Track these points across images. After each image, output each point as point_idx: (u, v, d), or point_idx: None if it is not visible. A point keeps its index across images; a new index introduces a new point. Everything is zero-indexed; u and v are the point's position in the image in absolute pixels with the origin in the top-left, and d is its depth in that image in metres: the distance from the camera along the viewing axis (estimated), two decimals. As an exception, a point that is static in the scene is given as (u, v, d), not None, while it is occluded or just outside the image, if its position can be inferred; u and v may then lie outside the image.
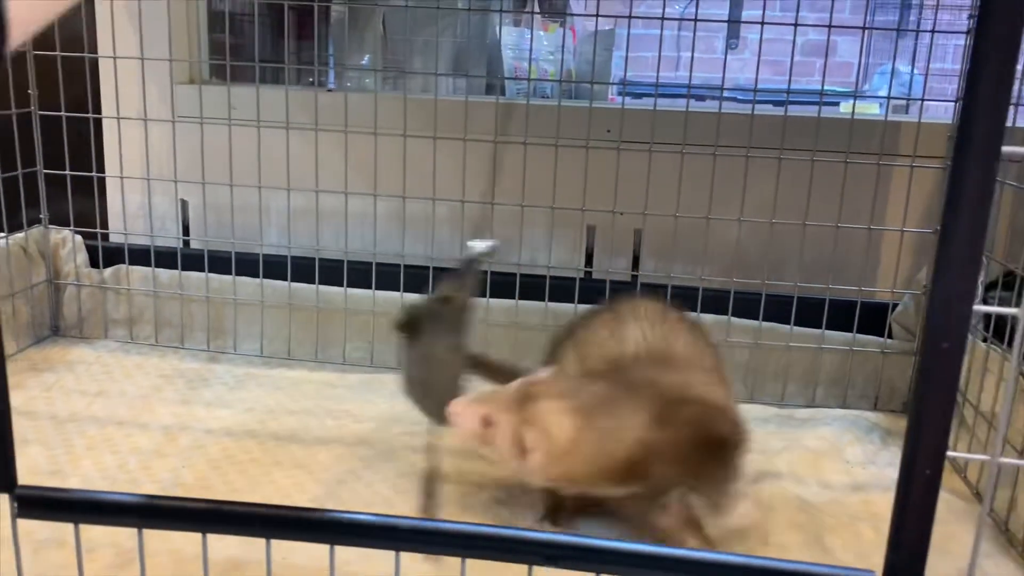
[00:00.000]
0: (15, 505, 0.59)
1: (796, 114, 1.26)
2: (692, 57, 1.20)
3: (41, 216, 1.37)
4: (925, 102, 1.23)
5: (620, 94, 1.63)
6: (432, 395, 0.92)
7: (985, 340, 1.08)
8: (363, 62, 1.62)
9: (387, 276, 1.32)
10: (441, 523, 0.57)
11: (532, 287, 1.31)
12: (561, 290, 1.31)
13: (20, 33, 0.44)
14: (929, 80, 1.23)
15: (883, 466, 1.09)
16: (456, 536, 0.56)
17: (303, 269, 1.34)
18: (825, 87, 1.21)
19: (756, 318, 1.26)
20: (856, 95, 1.25)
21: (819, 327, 1.25)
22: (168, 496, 0.59)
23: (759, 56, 1.21)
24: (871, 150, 1.24)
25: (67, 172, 1.33)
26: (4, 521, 0.85)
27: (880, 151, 1.22)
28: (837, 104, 1.85)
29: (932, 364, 0.50)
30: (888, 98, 1.25)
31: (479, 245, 0.98)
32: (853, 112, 1.23)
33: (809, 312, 1.26)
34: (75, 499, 0.60)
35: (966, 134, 0.47)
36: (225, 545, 0.81)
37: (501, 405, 0.82)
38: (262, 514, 0.58)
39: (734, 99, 1.66)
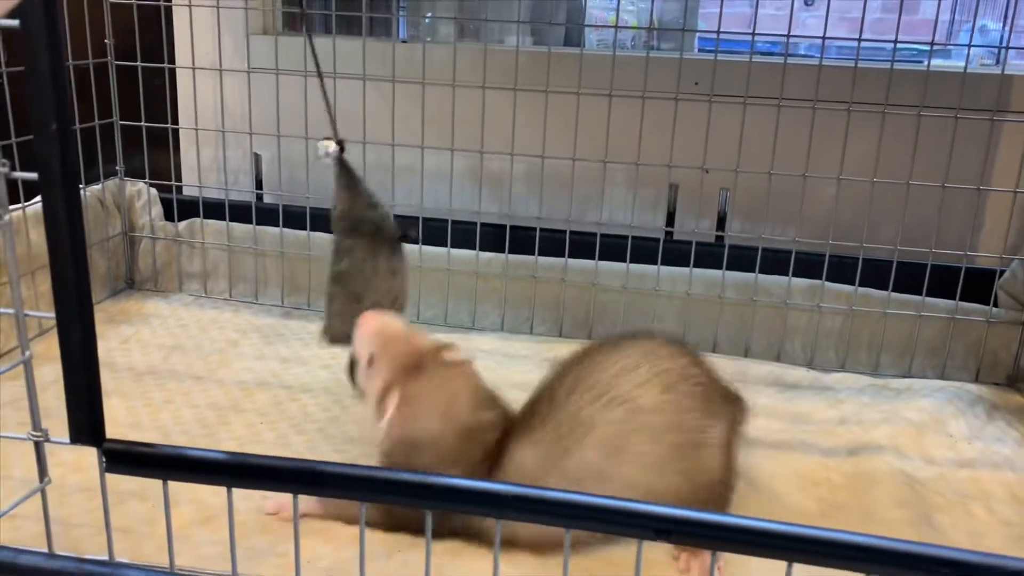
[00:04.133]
0: (103, 460, 0.57)
1: (902, 68, 1.18)
2: (792, 4, 1.12)
3: (117, 168, 1.36)
4: (1013, 57, 1.14)
5: (704, 50, 1.56)
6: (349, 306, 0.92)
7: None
8: (427, 18, 1.57)
9: (462, 233, 1.29)
10: (544, 491, 0.54)
11: (612, 247, 1.26)
12: (642, 251, 1.26)
13: None
14: (1016, 35, 1.14)
15: (990, 441, 1.02)
16: (562, 505, 0.53)
17: (377, 225, 1.31)
18: (916, 46, 1.13)
19: (851, 283, 1.19)
20: (971, 45, 1.15)
21: (919, 293, 1.18)
22: (259, 455, 0.56)
23: (864, 7, 1.13)
24: (978, 105, 1.16)
25: (143, 124, 1.32)
26: (90, 472, 0.85)
27: (995, 106, 1.14)
28: (921, 61, 1.74)
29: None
30: (1002, 47, 1.16)
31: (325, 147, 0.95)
32: (966, 65, 1.14)
33: (908, 277, 1.19)
34: (164, 455, 0.58)
35: None
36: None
37: (396, 355, 0.79)
38: (357, 476, 0.55)
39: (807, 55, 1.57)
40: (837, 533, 0.49)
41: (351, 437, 0.98)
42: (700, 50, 1.66)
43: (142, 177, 1.37)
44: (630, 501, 0.52)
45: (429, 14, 1.59)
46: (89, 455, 0.58)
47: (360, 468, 0.56)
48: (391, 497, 0.55)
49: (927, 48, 1.15)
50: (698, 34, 1.57)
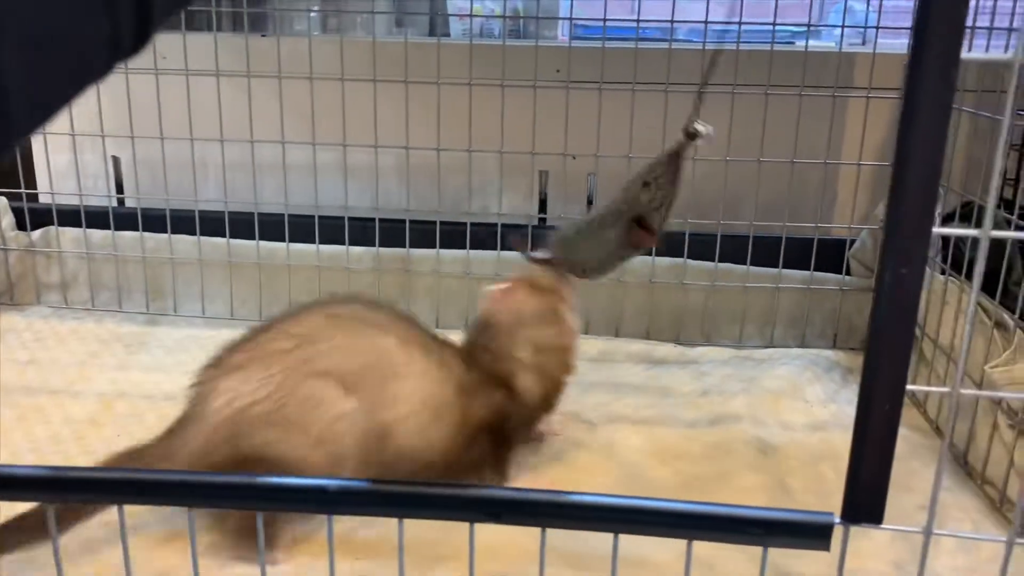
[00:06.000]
0: (-92, 483, 0.54)
1: (748, 48, 1.22)
2: (640, -11, 1.15)
3: (-41, 178, 1.29)
4: (880, 36, 1.19)
5: (578, 37, 1.57)
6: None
7: (943, 272, 1.06)
8: (278, 10, 1.54)
9: (331, 229, 1.27)
10: (373, 484, 0.53)
11: (484, 236, 1.27)
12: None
13: None
14: (883, 17, 1.20)
15: (843, 404, 1.07)
16: (390, 496, 0.53)
17: (242, 225, 1.28)
18: (779, 26, 1.17)
19: (712, 259, 1.23)
20: (810, 25, 1.20)
21: (776, 266, 1.23)
22: (80, 467, 0.54)
23: (710, -13, 1.16)
24: (826, 84, 1.21)
25: (-16, 130, 1.25)
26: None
27: (835, 83, 1.19)
28: (792, 43, 1.81)
29: (890, 291, 0.46)
30: (843, 27, 1.22)
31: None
32: (807, 44, 1.19)
33: (766, 251, 1.23)
34: (-25, 474, 0.55)
35: (922, 49, 0.43)
36: (158, 515, 0.77)
37: None
38: (182, 482, 0.54)
39: (689, 40, 1.61)
40: (653, 502, 0.51)
41: (214, 443, 0.95)
42: (575, 37, 1.68)
43: (-11, 186, 1.30)
44: (460, 486, 0.53)
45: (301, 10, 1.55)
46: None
47: (188, 474, 0.55)
48: (218, 501, 0.54)
49: (797, 29, 1.19)
50: (565, 21, 1.58)
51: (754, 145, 1.19)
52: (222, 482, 0.53)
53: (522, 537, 0.63)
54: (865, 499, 0.50)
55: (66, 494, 0.54)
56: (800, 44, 1.40)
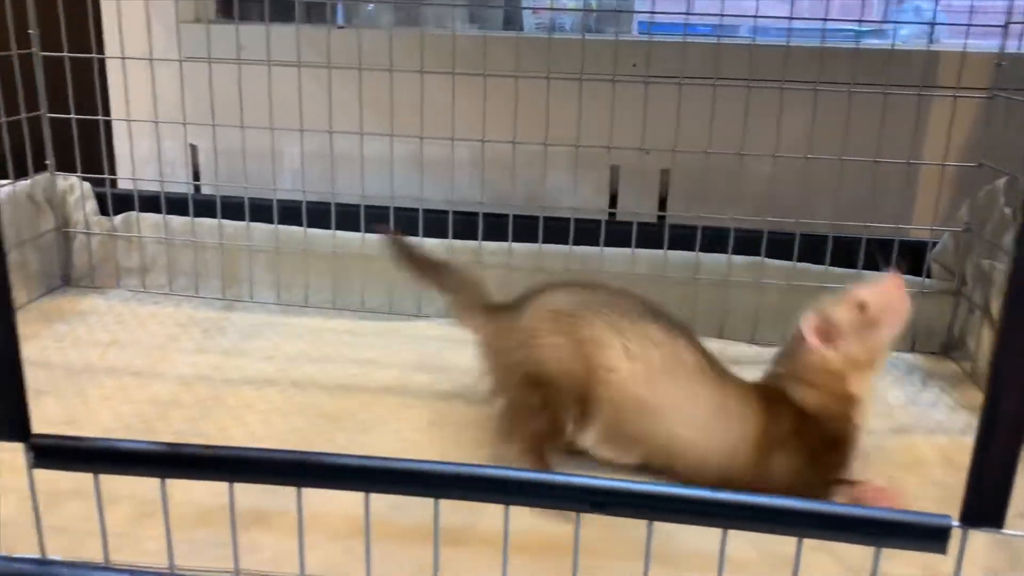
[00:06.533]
0: (31, 455, 0.56)
1: (832, 45, 1.20)
2: (724, -17, 1.14)
3: (47, 162, 1.32)
4: (947, 36, 1.16)
5: (643, 33, 1.56)
6: None
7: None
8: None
9: (405, 221, 1.28)
10: (483, 468, 0.54)
11: (555, 230, 1.26)
12: (585, 233, 1.26)
13: None
14: (950, 15, 1.17)
15: (925, 407, 1.05)
16: (499, 482, 0.53)
17: (319, 214, 1.29)
18: (847, 27, 1.16)
19: (790, 259, 1.21)
20: (896, 22, 1.18)
21: (855, 267, 1.21)
22: (192, 444, 0.56)
23: (794, -18, 1.15)
24: (909, 82, 1.18)
25: (72, 116, 1.28)
26: (19, 474, 0.83)
27: (921, 82, 1.16)
28: (859, 42, 1.78)
29: (1023, 285, 0.45)
30: (932, 23, 1.19)
31: None
32: (893, 41, 1.17)
33: (845, 251, 1.21)
34: (95, 448, 0.57)
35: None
36: (247, 495, 0.78)
37: None
38: (293, 461, 0.55)
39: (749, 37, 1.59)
40: (765, 498, 0.50)
41: (295, 427, 0.97)
42: (641, 32, 1.67)
43: (74, 171, 1.34)
44: (564, 475, 0.53)
45: (371, 6, 1.57)
46: (18, 457, 0.56)
47: (294, 453, 0.55)
48: (330, 482, 0.55)
49: (863, 29, 1.17)
50: (638, 15, 1.57)
51: (832, 144, 1.17)
52: (339, 464, 0.53)
53: (597, 531, 0.63)
54: (987, 502, 0.49)
55: (182, 471, 0.55)
56: (867, 43, 1.38)
